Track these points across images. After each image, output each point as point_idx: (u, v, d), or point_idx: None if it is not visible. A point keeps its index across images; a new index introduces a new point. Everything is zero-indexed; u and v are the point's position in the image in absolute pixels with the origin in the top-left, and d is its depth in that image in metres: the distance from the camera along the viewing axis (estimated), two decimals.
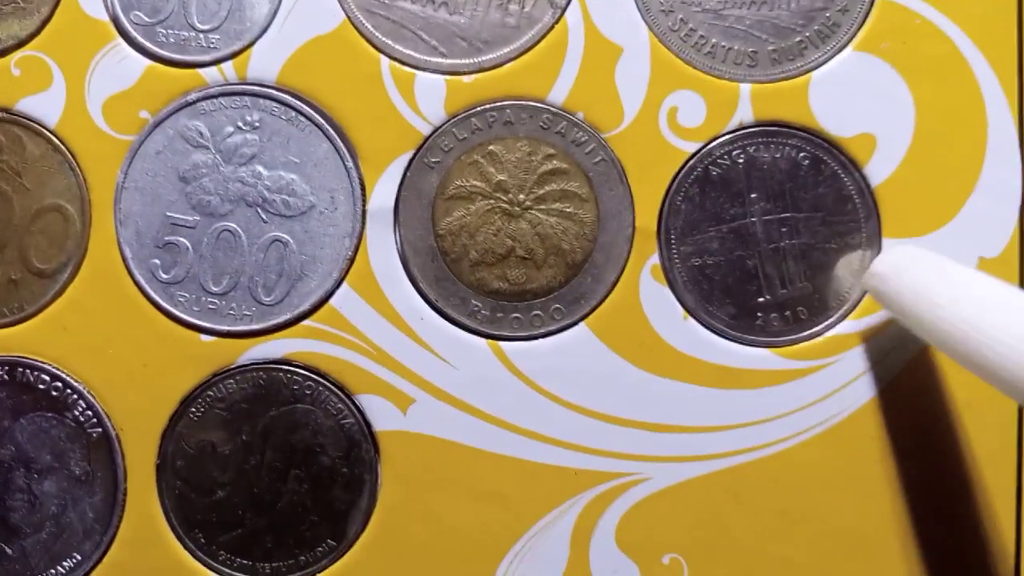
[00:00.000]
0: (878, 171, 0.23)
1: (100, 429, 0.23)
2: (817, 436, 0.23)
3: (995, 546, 0.23)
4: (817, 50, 0.23)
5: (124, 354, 0.23)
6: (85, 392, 0.23)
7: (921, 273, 0.21)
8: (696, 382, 0.23)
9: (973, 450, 0.23)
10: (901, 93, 0.23)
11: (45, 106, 0.23)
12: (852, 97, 0.23)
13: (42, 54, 0.23)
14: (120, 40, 0.23)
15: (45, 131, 0.23)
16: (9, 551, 0.23)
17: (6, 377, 0.23)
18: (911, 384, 0.23)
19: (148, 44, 0.23)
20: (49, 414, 0.23)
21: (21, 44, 0.23)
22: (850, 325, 0.23)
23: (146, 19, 0.23)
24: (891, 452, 0.23)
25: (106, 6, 0.23)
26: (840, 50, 0.23)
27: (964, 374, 0.22)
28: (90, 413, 0.23)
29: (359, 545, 0.23)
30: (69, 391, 0.23)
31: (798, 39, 0.23)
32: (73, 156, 0.23)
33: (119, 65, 0.23)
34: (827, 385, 0.23)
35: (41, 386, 0.23)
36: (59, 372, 0.23)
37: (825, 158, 0.23)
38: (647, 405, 0.23)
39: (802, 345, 0.23)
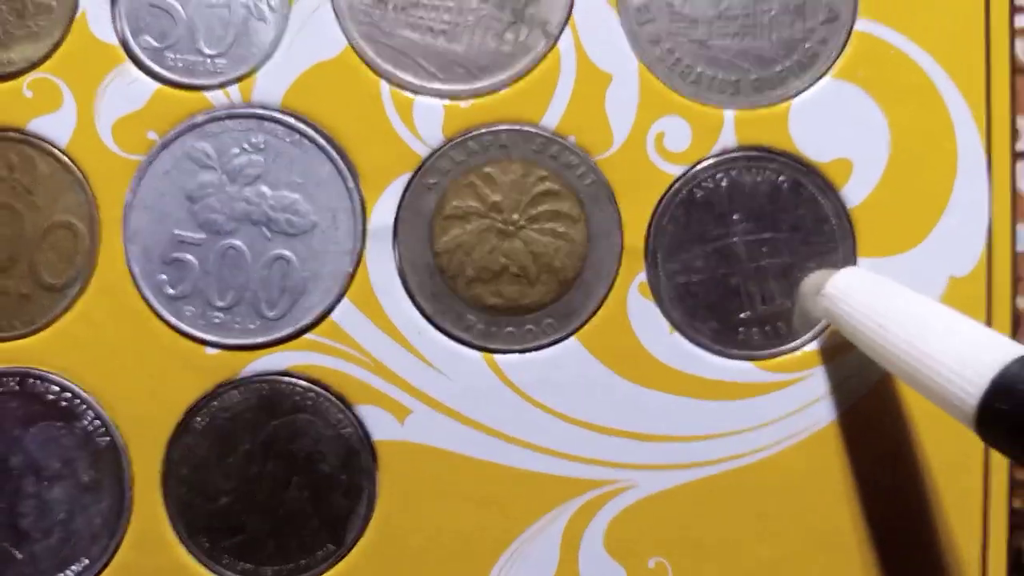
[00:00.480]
0: (854, 194, 0.24)
1: (108, 438, 0.24)
2: (795, 444, 0.24)
3: (957, 544, 0.24)
4: (797, 79, 0.24)
5: (132, 366, 0.24)
6: (93, 402, 0.24)
7: (867, 295, 0.22)
8: (681, 393, 0.24)
9: (938, 455, 0.24)
10: (876, 119, 0.24)
11: (56, 127, 0.24)
12: (830, 123, 0.24)
13: (53, 76, 0.24)
14: (129, 63, 0.24)
15: (56, 151, 0.24)
16: (19, 555, 0.24)
17: (17, 388, 0.24)
18: (885, 394, 0.24)
19: (156, 67, 0.24)
20: (58, 423, 0.24)
21: (33, 66, 0.24)
22: (826, 340, 0.24)
23: (154, 43, 0.24)
24: (864, 459, 0.24)
25: (116, 30, 0.24)
26: (819, 79, 0.24)
27: None
28: (98, 423, 0.24)
29: (358, 549, 0.24)
30: (78, 401, 0.24)
31: (779, 68, 0.24)
32: (83, 175, 0.24)
33: (128, 87, 0.24)
34: (805, 396, 0.24)
35: (51, 396, 0.24)
36: (68, 383, 0.24)
37: (804, 181, 0.24)
38: (634, 415, 0.24)
39: (781, 359, 0.24)
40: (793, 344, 0.24)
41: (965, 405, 0.17)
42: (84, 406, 0.24)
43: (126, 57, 0.24)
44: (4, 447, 0.24)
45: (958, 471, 0.24)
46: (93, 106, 0.24)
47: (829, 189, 0.24)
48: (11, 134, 0.24)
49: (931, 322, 0.19)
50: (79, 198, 0.24)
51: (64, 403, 0.24)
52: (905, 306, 0.20)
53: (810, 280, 0.24)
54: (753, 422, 0.24)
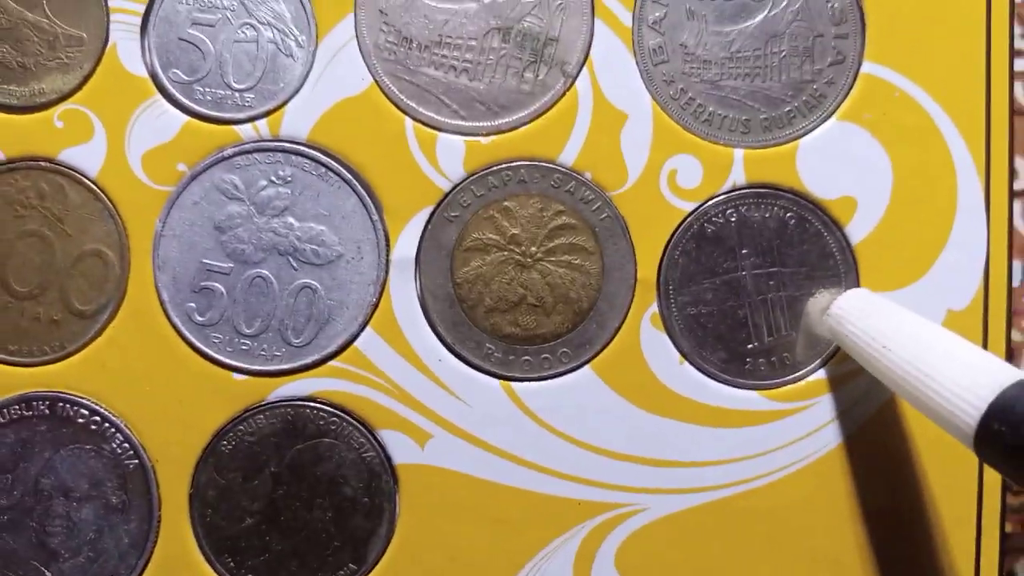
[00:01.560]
0: (858, 230, 0.25)
1: (136, 461, 0.25)
2: (800, 470, 0.25)
3: (952, 566, 0.25)
4: (805, 119, 0.25)
5: (160, 391, 0.25)
6: (122, 426, 0.25)
7: (872, 316, 0.23)
8: (690, 421, 0.25)
9: (934, 482, 0.25)
10: (880, 159, 0.25)
11: (86, 157, 0.25)
12: (836, 162, 0.25)
13: (84, 108, 0.25)
14: (159, 96, 0.25)
15: (86, 180, 0.25)
16: (48, 574, 0.25)
17: (47, 411, 0.25)
18: (885, 422, 0.25)
19: (186, 101, 0.25)
20: (88, 446, 0.25)
21: (64, 98, 0.25)
22: (830, 370, 0.25)
23: (184, 77, 0.25)
24: (864, 484, 0.25)
25: (146, 64, 0.25)
26: (825, 119, 0.25)
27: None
28: (127, 445, 0.25)
29: (378, 569, 0.25)
30: (107, 425, 0.25)
31: (787, 109, 0.25)
32: (113, 205, 0.25)
33: (158, 120, 0.25)
34: (809, 424, 0.25)
35: (80, 420, 0.25)
36: (98, 407, 0.25)
37: (810, 218, 0.25)
38: (645, 441, 0.25)
39: (786, 388, 0.25)
40: (798, 374, 0.25)
41: (964, 425, 0.18)
42: (113, 429, 0.25)
43: (156, 90, 0.25)
44: (35, 469, 0.25)
45: (954, 497, 0.25)
46: (124, 137, 0.25)
47: (834, 225, 0.25)
48: (42, 164, 0.25)
49: (933, 344, 0.20)
50: (109, 227, 0.25)
51: (94, 426, 0.25)
52: (909, 328, 0.21)
53: (816, 300, 0.25)
54: (759, 449, 0.25)
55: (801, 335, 0.25)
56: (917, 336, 0.21)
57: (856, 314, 0.23)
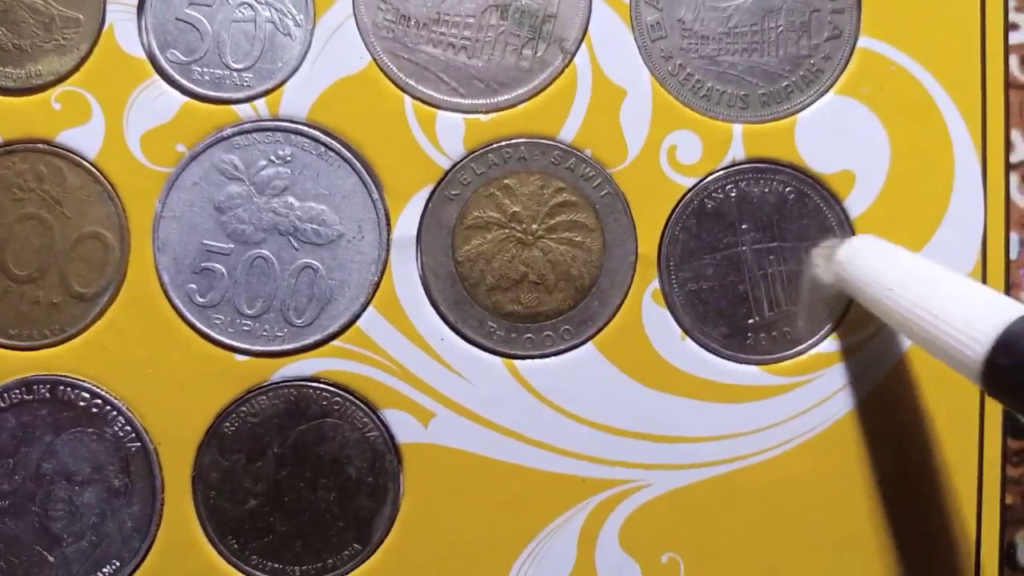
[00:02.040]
0: (856, 203, 0.25)
1: (138, 444, 0.25)
2: (801, 445, 0.25)
3: (953, 538, 0.25)
4: (802, 94, 0.25)
5: (162, 373, 0.25)
6: (124, 409, 0.25)
7: (877, 260, 0.23)
8: (692, 396, 0.25)
9: (939, 455, 0.25)
10: (877, 133, 0.25)
11: (85, 139, 0.25)
12: (834, 137, 0.25)
13: (82, 89, 0.25)
14: (157, 77, 0.25)
15: (85, 162, 0.25)
16: (51, 559, 0.25)
17: (48, 395, 0.25)
18: (886, 396, 0.25)
19: (184, 81, 0.24)
20: (89, 430, 0.25)
21: (61, 79, 0.25)
22: (831, 344, 0.25)
23: (182, 57, 0.24)
24: (868, 458, 0.25)
25: (143, 44, 0.25)
26: (823, 94, 0.25)
27: (932, 387, 0.25)
28: (129, 429, 0.25)
29: (383, 549, 0.25)
30: (109, 408, 0.25)
31: (785, 84, 0.25)
32: (112, 186, 0.25)
33: (156, 101, 0.25)
34: (810, 398, 0.25)
35: (81, 403, 0.25)
36: (99, 390, 0.25)
37: (809, 192, 0.25)
38: (648, 418, 0.25)
39: (788, 363, 0.25)
40: (799, 348, 0.25)
41: (971, 362, 0.18)
42: (115, 412, 0.25)
43: (154, 71, 0.25)
44: (36, 453, 0.25)
45: (954, 470, 0.25)
46: (122, 119, 0.25)
47: (833, 200, 0.25)
48: (40, 146, 0.25)
49: (938, 284, 0.21)
50: (108, 209, 0.25)
51: (95, 410, 0.25)
52: (913, 270, 0.22)
53: (820, 249, 0.25)
54: (761, 423, 0.25)
55: (802, 304, 0.25)
56: (921, 276, 0.21)
57: (861, 259, 0.23)
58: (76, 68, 0.25)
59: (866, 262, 0.23)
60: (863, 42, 0.25)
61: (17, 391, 0.25)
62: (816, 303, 0.25)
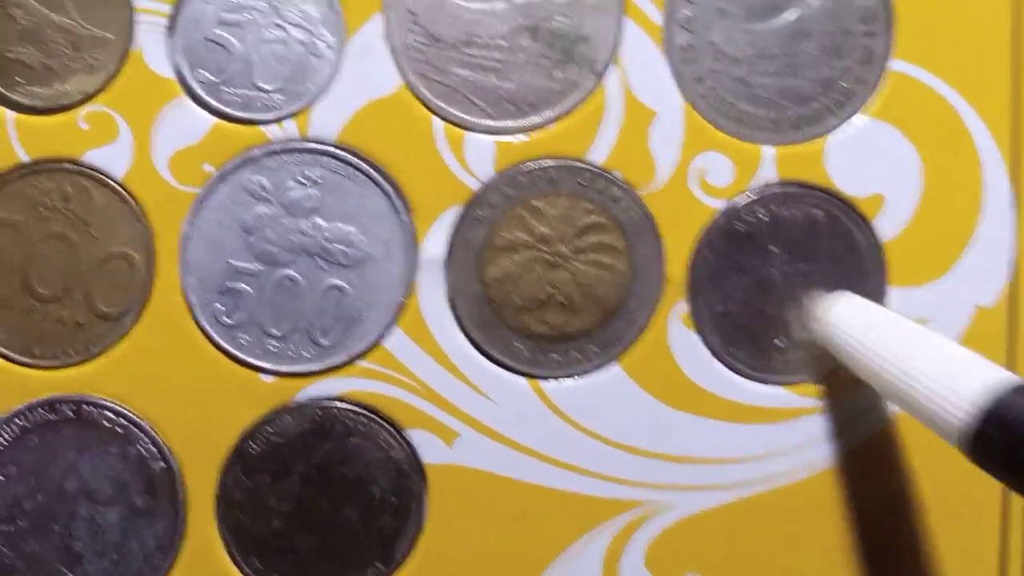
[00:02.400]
0: (887, 227, 0.25)
1: (162, 463, 0.25)
2: (829, 468, 0.25)
3: (985, 556, 0.25)
4: (834, 116, 0.25)
5: (187, 393, 0.25)
6: (148, 428, 0.25)
7: (858, 320, 0.23)
8: (719, 417, 0.25)
9: (966, 473, 0.25)
10: (909, 156, 0.25)
11: (112, 158, 0.24)
12: (865, 159, 0.25)
13: (109, 109, 0.25)
14: (185, 97, 0.25)
15: (111, 182, 0.24)
16: None
17: (72, 414, 0.25)
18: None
19: (213, 101, 0.24)
20: (113, 449, 0.25)
21: (88, 98, 0.24)
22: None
23: (211, 77, 0.24)
24: (897, 479, 0.25)
25: (172, 64, 0.25)
26: (854, 117, 0.25)
27: None
28: (153, 448, 0.25)
29: (405, 568, 0.25)
30: (133, 427, 0.25)
31: (816, 106, 0.25)
32: (139, 206, 0.24)
33: (184, 120, 0.24)
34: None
35: (105, 423, 0.25)
36: (123, 409, 0.25)
37: (839, 215, 0.25)
38: (673, 438, 0.25)
39: (815, 384, 0.25)
40: (826, 369, 0.25)
41: (957, 430, 0.18)
42: (139, 432, 0.25)
43: (182, 90, 0.25)
44: (59, 472, 0.25)
45: (981, 487, 0.25)
46: (149, 138, 0.24)
47: (863, 222, 0.25)
48: (66, 165, 0.24)
49: (921, 348, 0.20)
50: (135, 229, 0.24)
51: (119, 429, 0.25)
52: (898, 331, 0.21)
53: (807, 306, 0.25)
54: (787, 445, 0.25)
55: (796, 333, 0.25)
56: (904, 339, 0.21)
57: (843, 320, 0.23)
58: (104, 87, 0.24)
59: (848, 323, 0.23)
60: (895, 65, 0.25)
61: (41, 410, 0.25)
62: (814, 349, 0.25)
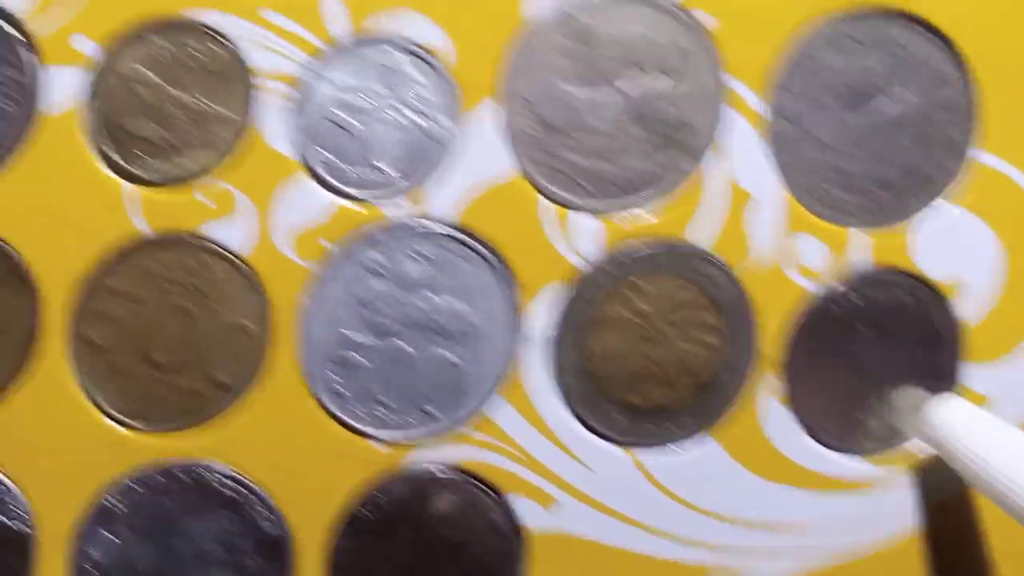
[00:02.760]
0: (971, 314, 0.26)
1: (274, 527, 0.25)
2: (911, 539, 0.26)
3: None
4: (922, 204, 0.26)
5: (299, 459, 0.25)
6: (261, 493, 0.25)
7: (964, 427, 0.24)
8: (809, 487, 0.26)
9: None
10: (990, 244, 0.26)
11: (231, 232, 0.25)
12: (949, 247, 0.26)
13: (227, 184, 0.25)
14: (304, 174, 0.25)
15: (231, 256, 0.25)
16: None
17: (186, 479, 0.25)
18: None
19: (331, 179, 0.25)
20: (225, 512, 0.25)
21: (208, 173, 0.25)
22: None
23: (330, 156, 0.25)
24: (976, 548, 0.26)
25: (291, 142, 0.25)
26: (940, 204, 0.26)
27: None
28: (265, 512, 0.25)
29: None
30: (246, 491, 0.25)
31: (904, 193, 0.26)
32: (258, 280, 0.25)
33: (303, 197, 0.25)
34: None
35: (218, 487, 0.25)
36: (237, 475, 0.25)
37: (925, 300, 0.26)
38: (767, 509, 0.26)
39: (901, 456, 0.26)
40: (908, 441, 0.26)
41: None
42: (252, 496, 0.25)
43: (301, 167, 0.25)
44: (171, 536, 0.25)
45: None
46: (268, 214, 0.25)
47: (948, 309, 0.26)
48: (187, 239, 0.25)
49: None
50: (253, 302, 0.25)
51: (232, 493, 0.25)
52: (1006, 441, 0.23)
53: (905, 398, 0.26)
54: (882, 515, 0.26)
55: (882, 423, 0.26)
56: (1015, 449, 0.22)
57: (950, 424, 0.24)
58: (224, 163, 0.25)
59: (956, 428, 0.24)
60: (978, 155, 0.26)
61: (156, 476, 0.25)
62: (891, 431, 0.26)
